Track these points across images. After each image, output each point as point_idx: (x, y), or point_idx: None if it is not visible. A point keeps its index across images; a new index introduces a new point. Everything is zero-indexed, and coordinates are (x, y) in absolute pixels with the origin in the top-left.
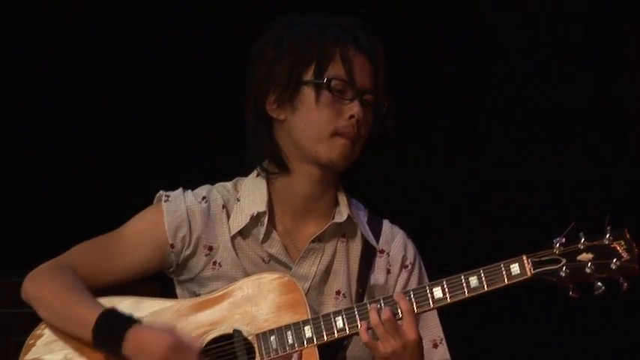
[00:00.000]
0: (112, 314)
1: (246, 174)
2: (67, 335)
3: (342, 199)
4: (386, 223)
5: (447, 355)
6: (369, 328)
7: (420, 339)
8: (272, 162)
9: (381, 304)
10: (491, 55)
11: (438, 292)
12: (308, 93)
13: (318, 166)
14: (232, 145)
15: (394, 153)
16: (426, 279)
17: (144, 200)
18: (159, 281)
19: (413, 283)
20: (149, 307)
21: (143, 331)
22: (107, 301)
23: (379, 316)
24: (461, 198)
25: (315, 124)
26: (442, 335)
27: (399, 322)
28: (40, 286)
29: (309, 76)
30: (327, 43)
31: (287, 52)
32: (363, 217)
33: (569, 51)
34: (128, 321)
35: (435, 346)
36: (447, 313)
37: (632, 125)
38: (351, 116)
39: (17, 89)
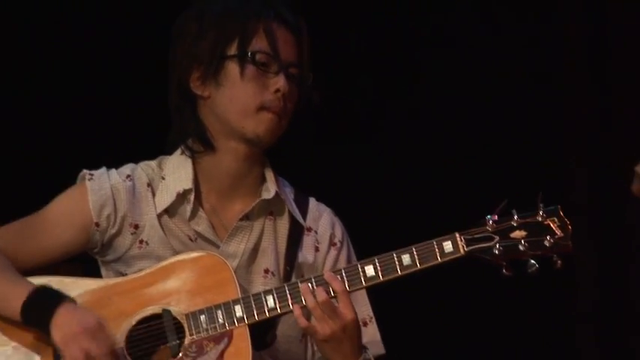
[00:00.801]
0: (44, 291)
1: (170, 153)
2: None
3: (270, 176)
4: (312, 201)
5: (377, 334)
6: (303, 308)
7: (357, 318)
8: (197, 140)
9: (312, 284)
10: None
11: (370, 271)
12: (232, 68)
13: (245, 141)
14: (155, 123)
15: (319, 130)
16: (354, 256)
17: (66, 181)
18: (81, 262)
19: (342, 261)
20: (77, 287)
21: (73, 309)
22: (33, 281)
23: (315, 298)
24: (392, 175)
25: (241, 99)
26: (372, 314)
27: (334, 302)
28: None
29: (232, 50)
30: (250, 17)
31: (209, 27)
32: (290, 194)
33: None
34: (60, 298)
35: (365, 324)
36: (378, 292)
37: (565, 99)
38: (277, 90)
39: None
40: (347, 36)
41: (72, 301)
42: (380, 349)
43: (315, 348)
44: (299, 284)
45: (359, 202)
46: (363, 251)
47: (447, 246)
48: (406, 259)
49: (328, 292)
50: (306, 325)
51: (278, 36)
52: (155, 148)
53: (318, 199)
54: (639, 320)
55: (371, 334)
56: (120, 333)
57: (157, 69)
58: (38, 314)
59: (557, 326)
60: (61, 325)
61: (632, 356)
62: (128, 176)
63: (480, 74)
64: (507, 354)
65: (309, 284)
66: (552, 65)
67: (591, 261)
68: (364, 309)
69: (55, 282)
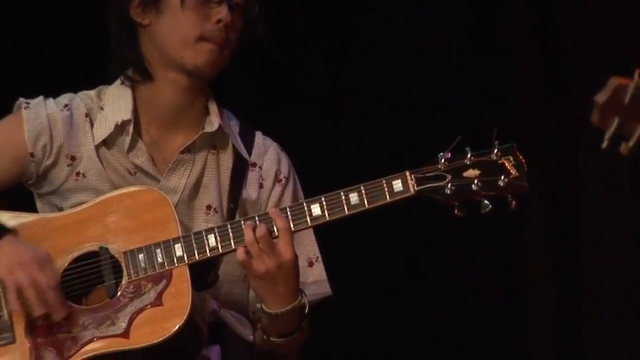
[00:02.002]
0: None
1: (110, 83)
2: None
3: (213, 109)
4: (259, 135)
5: (324, 274)
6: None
7: (296, 259)
8: (135, 70)
9: (256, 222)
10: None
11: (316, 210)
12: None
13: (185, 73)
14: (95, 51)
15: (269, 62)
16: (300, 194)
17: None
18: (7, 197)
19: (287, 198)
20: (9, 221)
21: (18, 240)
22: None
23: (254, 233)
24: (342, 111)
25: (181, 28)
26: (318, 253)
27: (274, 240)
28: None
29: None
30: None
31: None
32: (235, 127)
33: None
34: (2, 231)
35: (311, 264)
36: (325, 231)
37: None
38: (219, 20)
39: None
40: None
41: (14, 233)
42: (326, 290)
43: None
44: (242, 223)
45: (308, 139)
46: (313, 190)
47: (397, 185)
48: (354, 198)
49: (270, 229)
50: (243, 259)
51: None
52: (95, 77)
53: (265, 134)
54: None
55: (317, 274)
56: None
57: None
58: None
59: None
60: (6, 253)
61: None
62: (66, 106)
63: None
64: (456, 294)
65: (253, 222)
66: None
67: (542, 199)
68: (310, 248)
69: None
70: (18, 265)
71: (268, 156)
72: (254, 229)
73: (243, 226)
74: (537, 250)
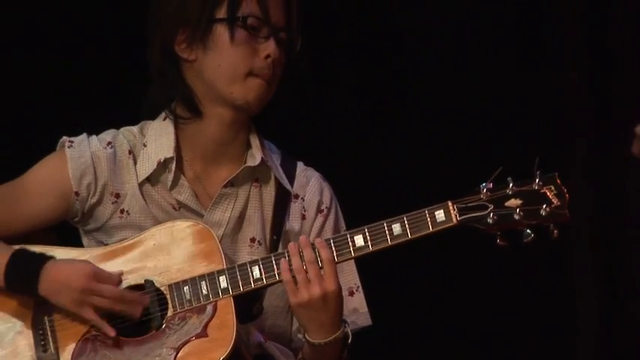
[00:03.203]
0: (23, 253)
1: (151, 117)
2: None
3: (255, 142)
4: (300, 166)
5: (364, 304)
6: (290, 271)
7: (340, 289)
8: (182, 105)
9: (300, 253)
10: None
11: (359, 240)
12: (221, 32)
13: (233, 107)
14: (136, 87)
15: (311, 94)
16: (342, 224)
17: (46, 147)
18: (55, 232)
19: (329, 228)
20: (57, 256)
21: (59, 265)
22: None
23: (302, 260)
24: (383, 140)
25: (230, 64)
26: (359, 283)
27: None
28: None
29: (222, 13)
30: None
31: None
32: (276, 159)
33: None
34: (41, 258)
35: (352, 293)
36: (366, 261)
37: (561, 67)
38: (267, 55)
39: None
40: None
41: (52, 258)
42: (366, 320)
43: None
44: (285, 254)
45: (351, 169)
46: (355, 220)
47: (439, 215)
48: (397, 228)
49: (315, 258)
50: (289, 280)
51: None
52: (136, 112)
53: (307, 164)
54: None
55: (357, 304)
56: None
57: (138, 31)
58: (22, 279)
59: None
60: (59, 287)
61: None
62: (109, 143)
63: (475, 40)
64: (501, 316)
65: (299, 250)
66: (551, 32)
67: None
68: (351, 278)
69: (36, 250)
70: (81, 292)
71: (310, 187)
72: (301, 256)
73: (286, 257)
74: (586, 279)
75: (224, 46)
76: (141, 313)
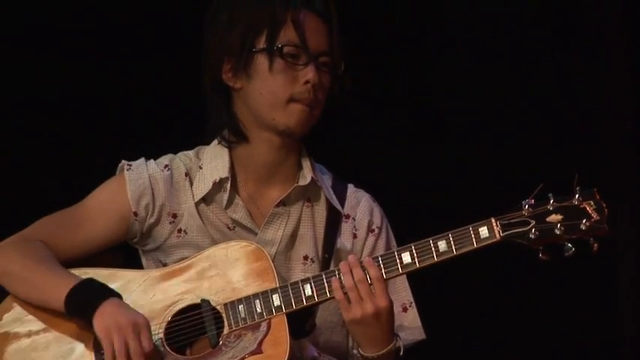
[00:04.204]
0: (90, 284)
1: (207, 143)
2: (35, 307)
3: (306, 163)
4: (351, 188)
5: (418, 319)
6: (342, 288)
7: (391, 305)
8: (231, 131)
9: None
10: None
11: (406, 258)
12: (261, 61)
13: (277, 133)
14: (194, 114)
15: (359, 116)
16: (393, 243)
17: (106, 171)
18: (122, 251)
19: (380, 248)
20: (117, 278)
21: (119, 303)
22: (74, 273)
23: (353, 279)
24: (428, 161)
25: (271, 91)
26: (412, 299)
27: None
28: (7, 260)
29: (261, 43)
30: (278, 7)
31: (239, 18)
32: (327, 181)
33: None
34: (105, 293)
35: (405, 309)
36: (418, 277)
37: (606, 81)
38: (307, 82)
39: None
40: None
41: (118, 296)
42: (420, 335)
43: None
44: (336, 272)
45: (397, 188)
46: (403, 237)
47: (483, 231)
48: (442, 245)
49: (365, 276)
50: (342, 298)
51: (307, 25)
52: (194, 138)
53: (357, 185)
54: None
55: (411, 320)
56: (159, 324)
57: (194, 60)
58: (82, 306)
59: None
60: (107, 316)
61: None
62: (166, 166)
63: (514, 57)
64: (547, 329)
65: (348, 267)
66: (591, 45)
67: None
68: (404, 294)
69: (95, 273)
70: (116, 328)
71: (361, 207)
72: (352, 275)
73: (337, 274)
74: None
75: (264, 74)
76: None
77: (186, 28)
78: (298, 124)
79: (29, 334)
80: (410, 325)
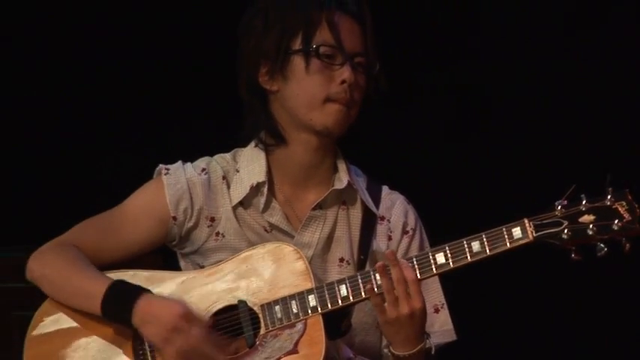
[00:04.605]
0: (121, 285)
1: (244, 145)
2: (73, 310)
3: (342, 166)
4: (385, 189)
5: (449, 320)
6: (379, 291)
7: (425, 307)
8: (268, 134)
9: (388, 272)
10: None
11: (440, 258)
12: (298, 62)
13: (315, 133)
14: (230, 117)
15: (391, 118)
16: (427, 244)
17: (144, 175)
18: (161, 253)
19: (414, 249)
20: (155, 280)
21: (153, 300)
22: (113, 276)
23: (390, 280)
24: (461, 162)
25: (307, 92)
26: (443, 300)
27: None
28: (45, 264)
29: (297, 45)
30: (313, 9)
31: (274, 23)
32: (362, 183)
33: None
34: (138, 291)
35: (437, 310)
36: (449, 277)
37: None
38: (343, 81)
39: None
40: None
41: (148, 292)
42: (451, 336)
43: None
44: (371, 273)
45: (431, 189)
46: (435, 238)
47: (516, 232)
48: (476, 245)
49: (403, 278)
50: (378, 302)
51: (341, 26)
52: (229, 141)
53: (391, 187)
54: None
55: (442, 321)
56: None
57: (229, 65)
58: (117, 308)
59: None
60: (148, 320)
61: None
62: (203, 170)
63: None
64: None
65: (387, 269)
66: (628, 43)
67: None
68: (436, 295)
69: (130, 276)
70: (170, 331)
71: (395, 209)
72: (389, 277)
73: (371, 276)
74: None
75: (301, 75)
76: (224, 358)
77: (223, 32)
78: (336, 124)
79: (69, 336)
80: (441, 326)
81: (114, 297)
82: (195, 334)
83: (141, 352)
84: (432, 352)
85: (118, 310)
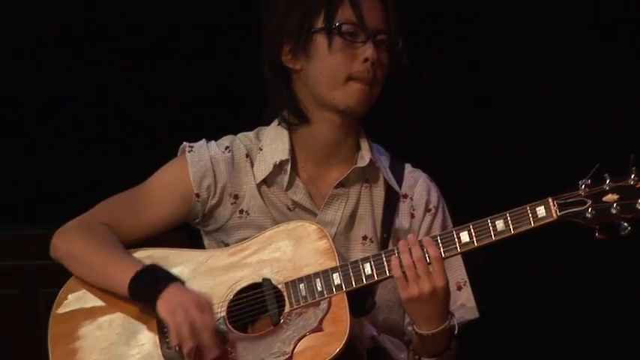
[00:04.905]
0: (152, 271)
1: (267, 123)
2: (98, 288)
3: (364, 144)
4: (408, 167)
5: (471, 297)
6: (401, 267)
7: (448, 284)
8: (291, 113)
9: (409, 250)
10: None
11: (464, 237)
12: (320, 40)
13: (337, 112)
14: (252, 96)
15: (415, 95)
16: (449, 222)
17: (168, 153)
18: (186, 230)
19: (437, 227)
20: (179, 258)
21: (181, 288)
22: (138, 254)
23: (411, 257)
24: (485, 141)
25: (330, 70)
26: (466, 278)
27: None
28: (70, 242)
29: (319, 23)
30: None
31: (296, 1)
32: (385, 161)
33: None
34: (168, 279)
35: (459, 288)
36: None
37: None
38: (366, 59)
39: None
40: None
41: (180, 282)
42: (473, 313)
43: None
44: (395, 251)
45: (452, 168)
46: (458, 216)
47: (540, 211)
48: (500, 224)
49: (424, 256)
50: (400, 276)
51: (363, 4)
52: (253, 119)
53: (414, 165)
54: None
55: (465, 298)
56: (221, 303)
57: (250, 44)
58: (146, 293)
59: None
60: (169, 298)
61: None
62: (227, 148)
63: (573, 34)
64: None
65: (408, 247)
66: None
67: None
68: (459, 273)
69: (158, 253)
70: (179, 306)
71: (418, 187)
72: (410, 254)
73: (396, 253)
74: None
75: (323, 53)
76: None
77: (244, 13)
78: (358, 103)
79: (93, 314)
80: (464, 303)
81: (144, 281)
82: (197, 317)
83: (165, 328)
84: (455, 332)
85: (146, 292)
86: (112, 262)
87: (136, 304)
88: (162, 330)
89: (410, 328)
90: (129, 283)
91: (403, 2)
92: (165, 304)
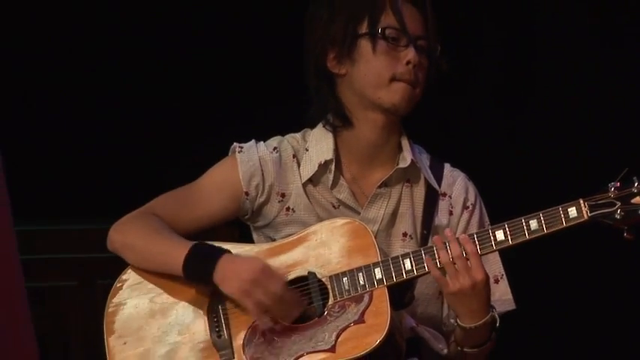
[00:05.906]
0: (202, 246)
1: (312, 126)
2: (153, 276)
3: (405, 145)
4: (447, 167)
5: (508, 290)
6: (439, 267)
7: (487, 279)
8: (336, 116)
9: (447, 246)
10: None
11: (500, 235)
12: (365, 45)
13: (382, 111)
14: (298, 100)
15: (454, 98)
16: (486, 219)
17: (220, 153)
18: (238, 226)
19: (474, 223)
20: (233, 251)
21: (234, 257)
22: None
23: (449, 254)
24: (520, 146)
25: (375, 72)
26: (503, 271)
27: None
28: (126, 233)
29: (363, 29)
30: None
31: (340, 10)
32: (425, 161)
33: None
34: (219, 250)
35: (497, 281)
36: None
37: None
38: (408, 62)
39: None
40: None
41: (229, 252)
42: (510, 305)
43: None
44: (434, 248)
45: (492, 169)
46: (496, 214)
47: (572, 212)
48: (534, 224)
49: (461, 252)
50: (439, 276)
51: (404, 12)
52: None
53: (453, 165)
54: None
55: (502, 291)
56: None
57: (296, 54)
58: (199, 271)
59: None
60: (229, 276)
61: None
62: (275, 148)
63: (601, 38)
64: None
65: (445, 243)
66: None
67: None
68: (495, 267)
69: None
70: (250, 283)
71: (457, 186)
72: (448, 251)
73: (434, 249)
74: None
75: (368, 57)
76: (299, 313)
77: (288, 25)
78: (403, 101)
79: (147, 303)
80: (501, 296)
81: (196, 256)
82: (273, 288)
83: (215, 317)
84: (497, 325)
85: (200, 269)
86: (166, 246)
87: (189, 290)
88: (212, 319)
89: (452, 321)
90: (182, 265)
91: (440, 11)
92: (228, 283)
